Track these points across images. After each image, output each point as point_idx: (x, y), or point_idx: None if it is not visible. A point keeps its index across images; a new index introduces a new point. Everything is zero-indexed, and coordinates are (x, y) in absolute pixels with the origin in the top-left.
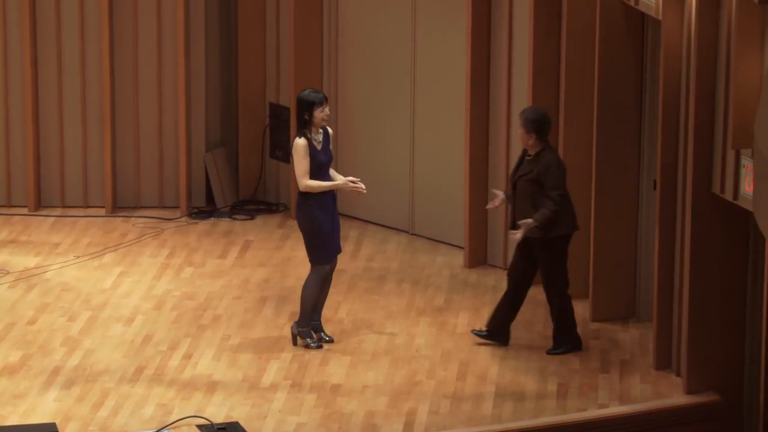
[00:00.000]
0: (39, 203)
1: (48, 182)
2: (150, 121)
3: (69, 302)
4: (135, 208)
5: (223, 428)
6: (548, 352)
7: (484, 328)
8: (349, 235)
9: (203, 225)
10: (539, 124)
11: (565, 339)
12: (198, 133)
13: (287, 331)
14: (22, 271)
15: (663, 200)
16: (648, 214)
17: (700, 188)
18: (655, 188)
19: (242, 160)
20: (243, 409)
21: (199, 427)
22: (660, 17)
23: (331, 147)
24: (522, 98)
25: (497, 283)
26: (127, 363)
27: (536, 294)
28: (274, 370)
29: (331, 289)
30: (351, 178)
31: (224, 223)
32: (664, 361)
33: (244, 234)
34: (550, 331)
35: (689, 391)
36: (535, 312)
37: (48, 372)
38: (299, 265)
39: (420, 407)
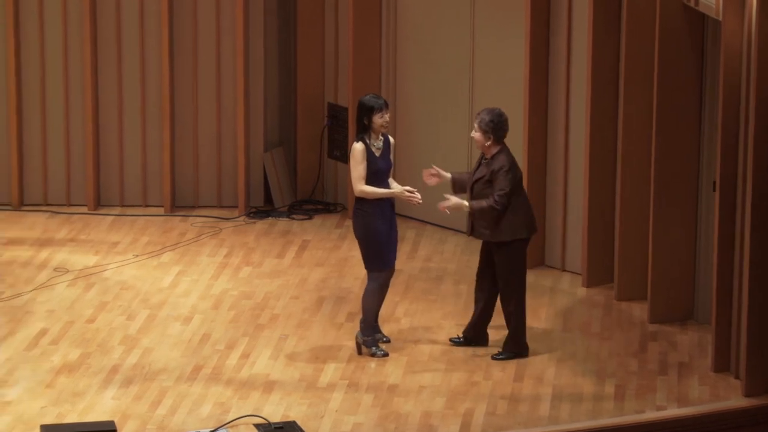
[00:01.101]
0: (98, 202)
1: (107, 181)
2: (209, 120)
3: (128, 301)
4: (193, 207)
5: (281, 427)
6: (493, 357)
7: (460, 336)
8: (407, 236)
9: (261, 225)
10: (496, 125)
11: (514, 344)
12: (256, 133)
13: (344, 332)
14: (81, 269)
15: (722, 201)
16: (707, 215)
17: (759, 189)
18: (714, 189)
19: (300, 160)
20: (300, 408)
21: (256, 426)
22: (720, 18)
23: (391, 156)
24: (581, 100)
25: (554, 284)
26: (185, 362)
27: (592, 296)
28: (331, 370)
29: (389, 289)
30: (407, 188)
31: (282, 223)
32: (722, 364)
33: (302, 234)
34: (608, 333)
35: (748, 394)
36: (591, 313)
37: (106, 370)
38: (356, 266)
39: (477, 408)
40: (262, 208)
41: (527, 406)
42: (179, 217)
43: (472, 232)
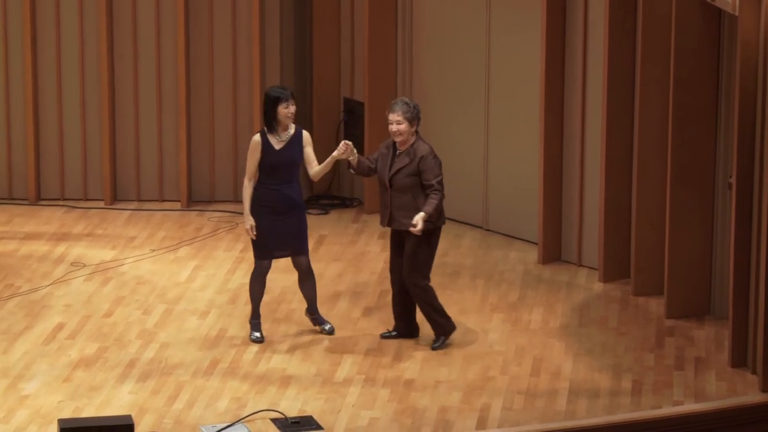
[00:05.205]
0: (115, 197)
1: (124, 176)
2: (224, 116)
3: (144, 295)
4: (210, 202)
5: (297, 422)
6: (434, 348)
7: (392, 330)
8: None
9: None
10: (418, 113)
11: (440, 326)
12: None
13: (361, 326)
14: (98, 264)
15: (739, 197)
16: (724, 209)
17: None
18: (730, 189)
19: (316, 155)
20: (316, 403)
21: (273, 420)
22: (737, 13)
23: (308, 149)
24: (597, 96)
25: (571, 279)
26: (202, 356)
27: (608, 291)
28: (347, 365)
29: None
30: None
31: None
32: (739, 359)
33: (319, 228)
34: (624, 328)
35: (765, 389)
36: (608, 308)
37: (123, 365)
38: (373, 260)
39: (493, 403)
40: None
41: (544, 401)
42: (196, 212)
43: (390, 222)
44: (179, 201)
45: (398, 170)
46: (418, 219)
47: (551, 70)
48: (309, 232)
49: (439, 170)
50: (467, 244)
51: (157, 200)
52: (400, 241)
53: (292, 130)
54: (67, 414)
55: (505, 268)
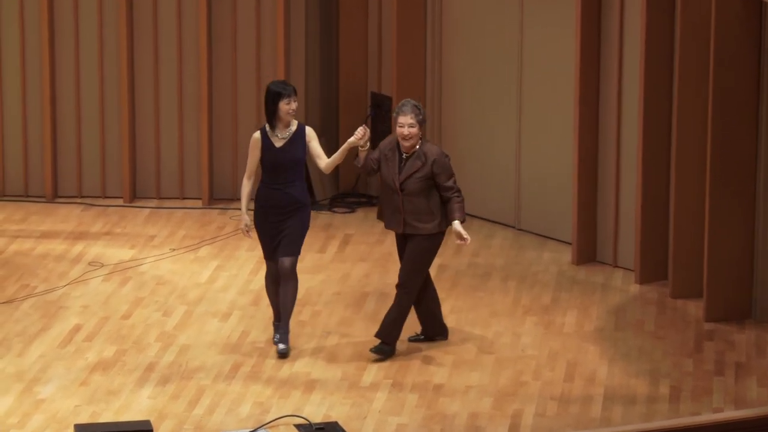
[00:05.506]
0: (134, 195)
1: (143, 173)
2: (248, 112)
3: (164, 296)
4: (232, 200)
5: (322, 428)
6: (374, 352)
7: (419, 334)
8: None
9: None
10: (425, 115)
11: (395, 339)
12: None
13: None
14: (117, 263)
15: None
16: (765, 208)
17: None
18: None
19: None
20: (342, 408)
21: (297, 426)
22: None
23: (313, 145)
24: (633, 91)
25: (606, 280)
26: (224, 360)
27: (645, 293)
28: (374, 369)
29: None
30: (355, 135)
31: (324, 216)
32: None
33: (344, 227)
34: (662, 332)
35: None
36: (644, 311)
37: (142, 368)
38: None
39: (526, 409)
40: None
41: (578, 408)
42: (217, 210)
43: (405, 227)
44: (200, 199)
45: (410, 174)
46: (461, 230)
47: (586, 63)
48: (334, 231)
49: (452, 170)
50: (499, 244)
51: (177, 198)
52: (405, 244)
53: (293, 126)
54: (84, 419)
55: (538, 269)
